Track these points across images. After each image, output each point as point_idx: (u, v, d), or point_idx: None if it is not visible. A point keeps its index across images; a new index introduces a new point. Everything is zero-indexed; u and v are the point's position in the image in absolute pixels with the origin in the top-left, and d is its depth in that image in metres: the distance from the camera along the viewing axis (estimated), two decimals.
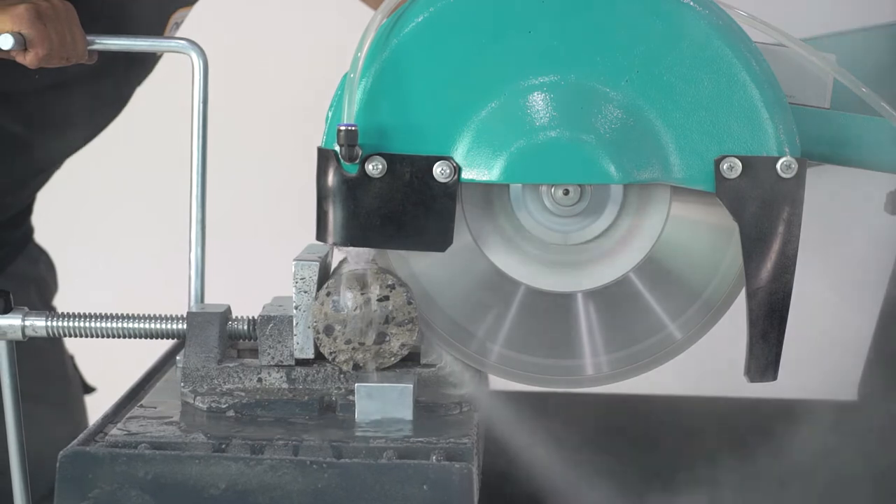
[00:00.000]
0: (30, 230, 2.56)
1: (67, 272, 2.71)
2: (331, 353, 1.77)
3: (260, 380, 1.79)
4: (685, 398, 2.40)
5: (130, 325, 1.86)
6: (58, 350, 2.57)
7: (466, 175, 1.72)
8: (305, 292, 1.78)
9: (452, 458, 1.61)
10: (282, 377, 1.79)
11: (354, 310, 1.76)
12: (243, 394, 1.78)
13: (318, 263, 1.78)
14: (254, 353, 1.85)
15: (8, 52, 1.88)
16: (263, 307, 1.85)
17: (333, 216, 1.73)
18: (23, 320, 1.84)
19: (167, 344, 2.04)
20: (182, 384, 1.80)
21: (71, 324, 1.85)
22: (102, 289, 3.61)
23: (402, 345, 1.77)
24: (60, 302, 2.62)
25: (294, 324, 1.79)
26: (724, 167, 1.72)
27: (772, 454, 2.22)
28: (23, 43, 1.88)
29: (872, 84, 1.79)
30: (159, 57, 2.45)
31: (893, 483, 2.22)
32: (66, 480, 1.59)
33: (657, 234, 1.78)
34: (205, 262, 1.95)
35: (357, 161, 1.70)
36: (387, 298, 1.76)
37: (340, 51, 1.93)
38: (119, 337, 1.86)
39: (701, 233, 1.78)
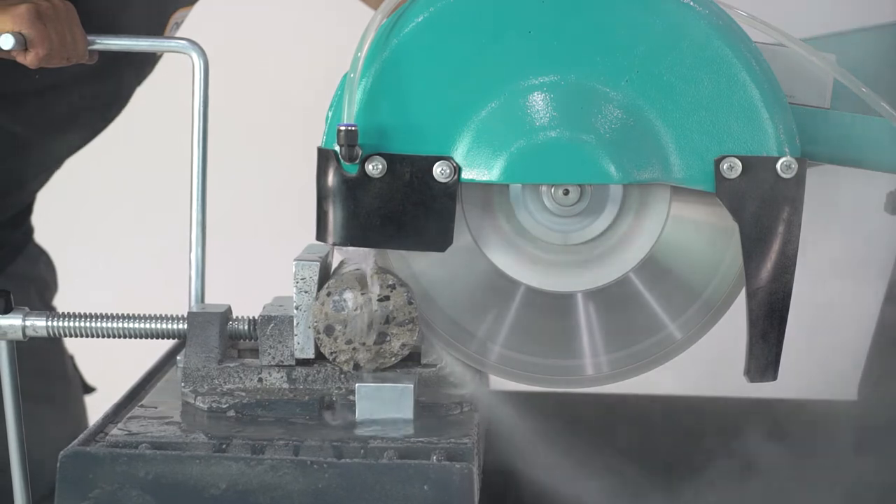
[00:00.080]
0: (30, 230, 2.56)
1: (67, 272, 2.71)
2: (331, 354, 1.77)
3: (260, 380, 1.79)
4: (685, 398, 2.40)
5: (130, 325, 1.86)
6: (58, 350, 2.56)
7: (466, 175, 1.72)
8: (306, 292, 1.78)
9: (453, 458, 1.61)
10: (282, 377, 1.79)
11: (355, 310, 1.76)
12: (244, 394, 1.78)
13: (318, 263, 1.78)
14: (254, 353, 1.85)
15: (8, 52, 1.88)
16: (264, 307, 1.84)
17: (333, 216, 1.73)
18: (23, 320, 1.84)
19: (167, 344, 2.04)
20: (182, 384, 1.80)
21: (71, 324, 1.85)
22: (102, 289, 3.61)
23: (403, 345, 1.77)
24: (60, 302, 2.62)
25: (294, 324, 1.79)
26: (724, 167, 1.72)
27: (772, 454, 2.22)
28: (23, 43, 1.88)
29: (872, 84, 1.79)
30: (159, 57, 2.45)
31: (893, 483, 2.21)
32: (66, 480, 1.59)
33: (657, 234, 1.78)
34: (205, 261, 1.95)
35: (357, 161, 1.70)
36: (387, 298, 1.76)
37: (340, 51, 1.93)
38: (119, 337, 1.86)
39: (701, 233, 1.78)
